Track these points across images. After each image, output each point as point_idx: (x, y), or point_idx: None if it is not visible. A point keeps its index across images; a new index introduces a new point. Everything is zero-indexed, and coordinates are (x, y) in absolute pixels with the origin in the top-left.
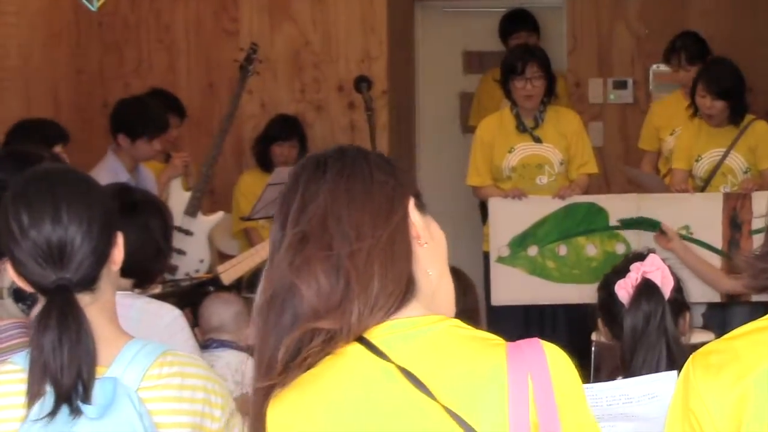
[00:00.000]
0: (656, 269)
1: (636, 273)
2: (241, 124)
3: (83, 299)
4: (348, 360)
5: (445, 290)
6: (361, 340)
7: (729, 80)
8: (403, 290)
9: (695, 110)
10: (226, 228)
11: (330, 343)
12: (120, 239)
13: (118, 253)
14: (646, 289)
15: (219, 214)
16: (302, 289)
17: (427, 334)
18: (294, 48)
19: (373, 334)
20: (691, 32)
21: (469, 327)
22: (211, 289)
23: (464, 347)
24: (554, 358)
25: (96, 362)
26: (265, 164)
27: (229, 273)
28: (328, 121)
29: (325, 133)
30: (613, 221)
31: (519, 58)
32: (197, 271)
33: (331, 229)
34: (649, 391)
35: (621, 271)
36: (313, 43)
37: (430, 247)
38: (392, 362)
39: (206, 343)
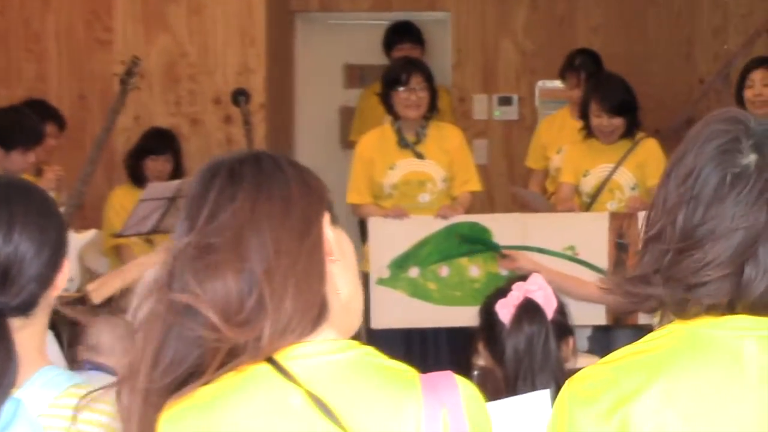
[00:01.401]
0: (539, 289)
1: (518, 292)
2: (114, 137)
3: (15, 323)
4: (254, 381)
5: (356, 307)
6: (270, 361)
7: (623, 95)
8: (316, 313)
9: (588, 131)
10: (97, 245)
11: (235, 357)
12: (66, 265)
13: (61, 280)
14: (528, 309)
15: (91, 232)
16: (209, 296)
17: (340, 361)
18: (169, 59)
19: (283, 357)
20: (588, 50)
21: (381, 355)
22: (80, 307)
23: (377, 377)
24: (468, 395)
25: (13, 386)
26: (138, 179)
27: (99, 292)
28: (204, 135)
29: (201, 148)
30: (496, 240)
31: (403, 68)
32: (66, 290)
33: (247, 241)
34: (523, 411)
35: (504, 291)
36: (190, 55)
37: (341, 263)
38: (302, 387)
39: (82, 363)
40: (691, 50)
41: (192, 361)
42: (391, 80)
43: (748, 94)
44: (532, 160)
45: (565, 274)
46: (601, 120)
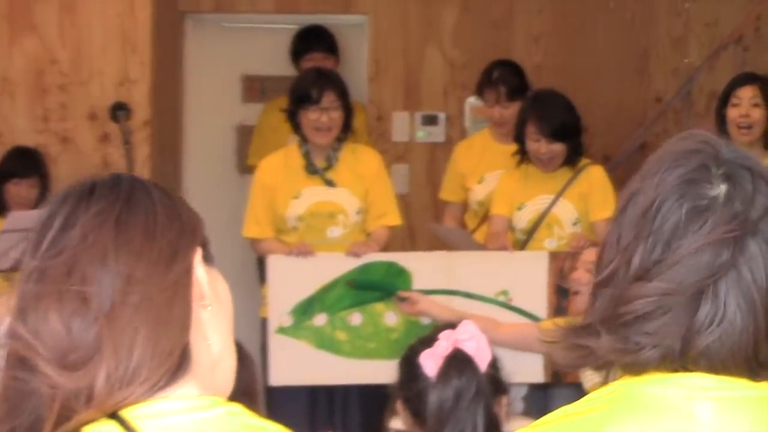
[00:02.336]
0: (470, 338)
1: (446, 341)
2: None
3: None
4: None
5: (227, 364)
6: (117, 418)
7: (565, 116)
8: (175, 363)
9: (523, 156)
10: None
11: (69, 411)
12: None
13: None
14: (458, 360)
15: None
16: (41, 333)
17: (200, 420)
18: (36, 66)
19: (133, 414)
20: (508, 62)
21: (251, 413)
22: None
23: None
24: None
25: None
26: None
27: None
28: (77, 155)
29: (73, 170)
30: (417, 284)
31: (314, 83)
32: None
33: (92, 272)
34: None
35: (428, 341)
36: (61, 62)
37: (214, 309)
38: None
39: None
40: (646, 64)
41: (29, 414)
42: (299, 97)
43: (732, 113)
44: (448, 191)
45: (489, 318)
46: (539, 145)
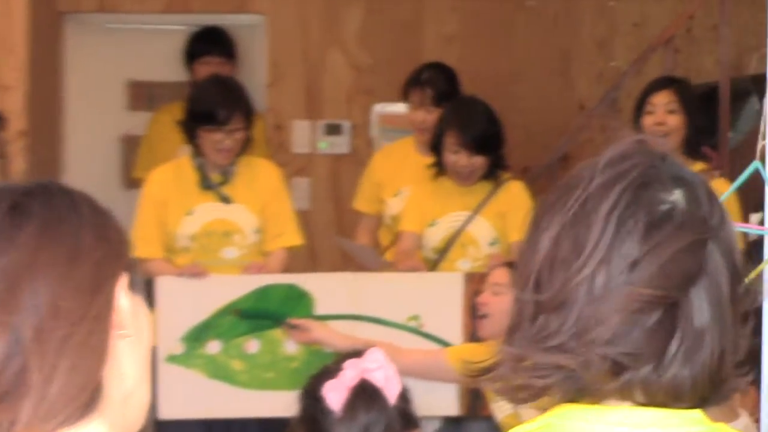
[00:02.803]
0: (378, 367)
1: (352, 371)
2: None
3: None
4: None
5: (140, 398)
6: None
7: (487, 127)
8: (87, 398)
9: (440, 169)
10: None
11: None
12: None
13: None
14: (365, 392)
15: None
16: None
17: None
18: None
19: None
20: (441, 64)
21: None
22: None
23: None
24: None
25: None
26: None
27: None
28: None
29: None
30: (320, 308)
31: (221, 104)
32: None
33: (21, 293)
34: None
35: (332, 371)
36: None
37: (133, 341)
38: None
39: None
40: (568, 68)
41: None
42: (201, 115)
43: (647, 121)
44: (363, 201)
45: (389, 344)
46: (458, 157)
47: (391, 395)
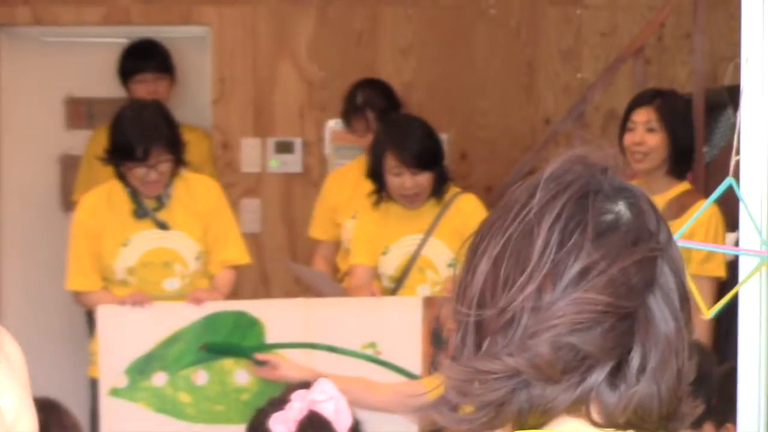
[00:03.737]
0: (328, 398)
1: (300, 403)
2: None
3: None
4: None
5: (26, 428)
6: None
7: (427, 142)
8: None
9: (380, 195)
10: None
11: None
12: None
13: None
14: (314, 425)
15: None
16: None
17: None
18: None
19: None
20: (372, 80)
21: None
22: None
23: None
24: None
25: None
26: None
27: None
28: None
29: None
30: (271, 336)
31: (139, 139)
32: None
33: None
34: None
35: (279, 402)
36: None
37: (3, 368)
38: None
39: None
40: (533, 80)
41: None
42: (122, 151)
43: (627, 140)
44: (318, 228)
45: (358, 378)
46: (402, 180)
47: (342, 428)
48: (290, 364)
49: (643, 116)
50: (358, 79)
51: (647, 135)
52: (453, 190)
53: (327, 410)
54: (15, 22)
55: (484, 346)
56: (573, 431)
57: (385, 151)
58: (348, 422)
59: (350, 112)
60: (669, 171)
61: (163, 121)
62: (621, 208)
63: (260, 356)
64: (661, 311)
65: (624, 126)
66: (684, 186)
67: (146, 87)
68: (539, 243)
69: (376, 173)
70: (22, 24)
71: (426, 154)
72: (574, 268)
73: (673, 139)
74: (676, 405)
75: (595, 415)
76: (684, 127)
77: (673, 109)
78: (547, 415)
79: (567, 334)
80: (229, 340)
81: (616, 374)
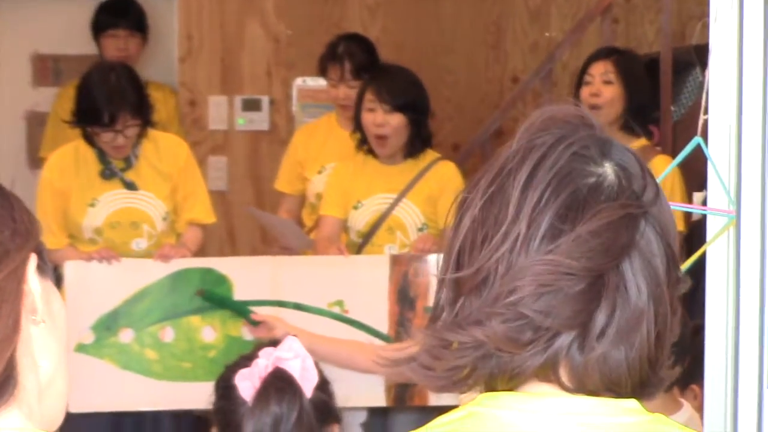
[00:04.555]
0: (294, 356)
1: (266, 360)
2: None
3: None
4: None
5: (59, 390)
6: None
7: (408, 87)
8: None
9: (363, 139)
10: None
11: None
12: None
13: None
14: (278, 382)
15: None
16: None
17: None
18: None
19: None
20: (357, 35)
21: None
22: None
23: None
24: None
25: None
26: None
27: None
28: None
29: None
30: (239, 293)
31: (105, 103)
32: None
33: None
34: None
35: (247, 359)
36: None
37: (47, 327)
38: None
39: None
40: (501, 39)
41: None
42: (88, 115)
43: (583, 92)
44: (284, 181)
45: (339, 340)
46: (374, 116)
47: (308, 386)
48: (286, 325)
49: (600, 69)
50: (344, 32)
51: (604, 87)
52: (433, 155)
53: (292, 368)
54: None
55: (458, 306)
56: (541, 394)
57: (366, 88)
58: (314, 380)
59: (328, 59)
60: (625, 126)
61: (130, 85)
62: (605, 170)
63: (257, 316)
64: (634, 276)
65: (581, 80)
66: (641, 142)
67: (117, 43)
68: (513, 203)
69: (357, 114)
70: None
71: (400, 94)
72: (544, 230)
73: (629, 94)
74: (649, 371)
75: (565, 379)
76: (640, 83)
77: (629, 65)
78: (516, 379)
79: (529, 299)
80: (197, 300)
81: (585, 338)
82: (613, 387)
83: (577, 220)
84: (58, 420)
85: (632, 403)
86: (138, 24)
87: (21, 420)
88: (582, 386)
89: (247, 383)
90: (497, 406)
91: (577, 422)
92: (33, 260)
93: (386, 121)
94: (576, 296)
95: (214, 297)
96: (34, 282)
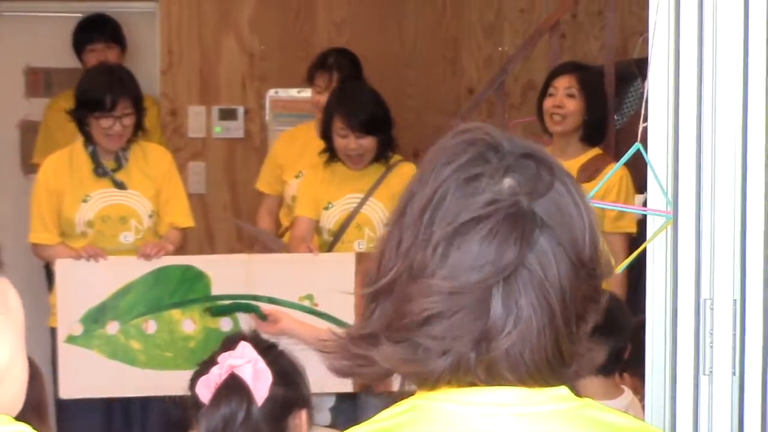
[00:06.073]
0: (246, 362)
1: (221, 368)
2: None
3: None
4: None
5: (17, 376)
6: None
7: (373, 109)
8: None
9: (332, 154)
10: None
11: None
12: None
13: None
14: (230, 386)
15: None
16: None
17: None
18: None
19: None
20: (345, 50)
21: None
22: None
23: None
24: None
25: None
26: None
27: None
28: None
29: None
30: (216, 289)
31: (107, 90)
32: None
33: None
34: None
35: (208, 365)
36: None
37: (3, 319)
38: None
39: None
40: (458, 53)
41: None
42: (89, 102)
43: (547, 103)
44: (265, 182)
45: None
46: (347, 141)
47: (262, 387)
48: (290, 318)
49: (564, 83)
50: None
51: (567, 99)
52: (396, 157)
53: (245, 372)
54: None
55: (368, 310)
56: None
57: (334, 114)
58: (268, 381)
59: (317, 67)
60: (583, 137)
61: (129, 79)
62: (504, 184)
63: (265, 309)
64: (524, 286)
65: (544, 92)
66: (596, 151)
67: (97, 55)
68: (426, 215)
69: (326, 133)
70: None
71: (370, 121)
72: (436, 249)
73: (588, 108)
74: (564, 363)
75: (481, 375)
76: (598, 98)
77: (590, 81)
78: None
79: (416, 324)
80: (177, 294)
81: (480, 344)
82: (525, 380)
83: (472, 234)
84: (18, 403)
85: (562, 390)
86: (114, 35)
87: None
88: (494, 381)
89: (205, 391)
90: (436, 398)
91: (510, 412)
92: None
93: (359, 146)
94: (472, 314)
95: (222, 308)
96: None
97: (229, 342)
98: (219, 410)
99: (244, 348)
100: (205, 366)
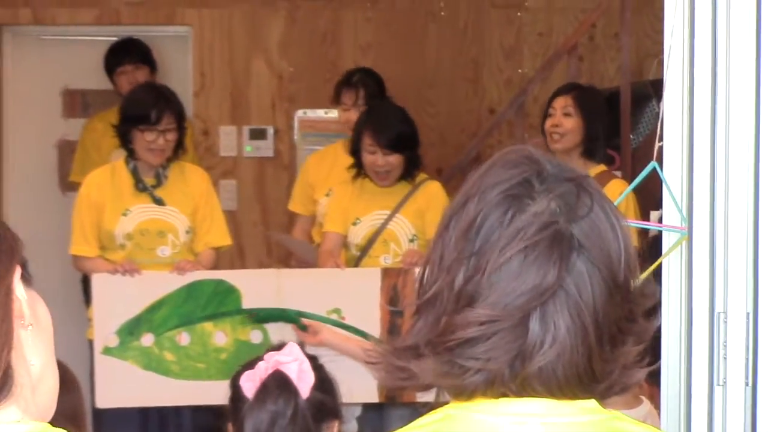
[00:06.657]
0: (293, 360)
1: (267, 363)
2: None
3: None
4: None
5: (49, 385)
6: None
7: (401, 127)
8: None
9: (360, 170)
10: None
11: None
12: None
13: None
14: (276, 383)
15: None
16: None
17: None
18: None
19: None
20: (369, 69)
21: None
22: None
23: None
24: None
25: None
26: None
27: None
28: None
29: None
30: (247, 302)
31: (153, 104)
32: None
33: None
34: None
35: (254, 362)
36: None
37: (34, 330)
38: None
39: None
40: (479, 75)
41: None
42: (136, 116)
43: (547, 124)
44: (297, 203)
45: (362, 340)
46: (375, 157)
47: (304, 387)
48: (330, 330)
49: (561, 102)
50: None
51: (564, 118)
52: (422, 176)
53: (291, 370)
54: (17, 21)
55: (422, 315)
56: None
57: (363, 131)
58: (310, 382)
59: (343, 85)
60: (584, 153)
61: (173, 96)
62: (544, 206)
63: (305, 321)
64: (560, 309)
65: (546, 113)
66: (599, 168)
67: (127, 77)
68: (470, 234)
69: (355, 150)
70: (23, 23)
71: (398, 138)
72: (487, 267)
73: (587, 125)
74: (597, 379)
75: (513, 388)
76: (597, 115)
77: (588, 99)
78: (467, 393)
79: (458, 346)
80: (209, 307)
81: (515, 359)
82: (554, 393)
83: (514, 256)
84: (51, 411)
85: (591, 402)
86: (142, 57)
87: (18, 413)
88: (525, 392)
89: (249, 384)
90: (469, 408)
91: (540, 422)
92: (18, 272)
93: (387, 162)
94: (510, 336)
95: (263, 315)
96: (20, 291)
97: (276, 348)
98: (265, 406)
99: (292, 347)
100: (251, 363)
